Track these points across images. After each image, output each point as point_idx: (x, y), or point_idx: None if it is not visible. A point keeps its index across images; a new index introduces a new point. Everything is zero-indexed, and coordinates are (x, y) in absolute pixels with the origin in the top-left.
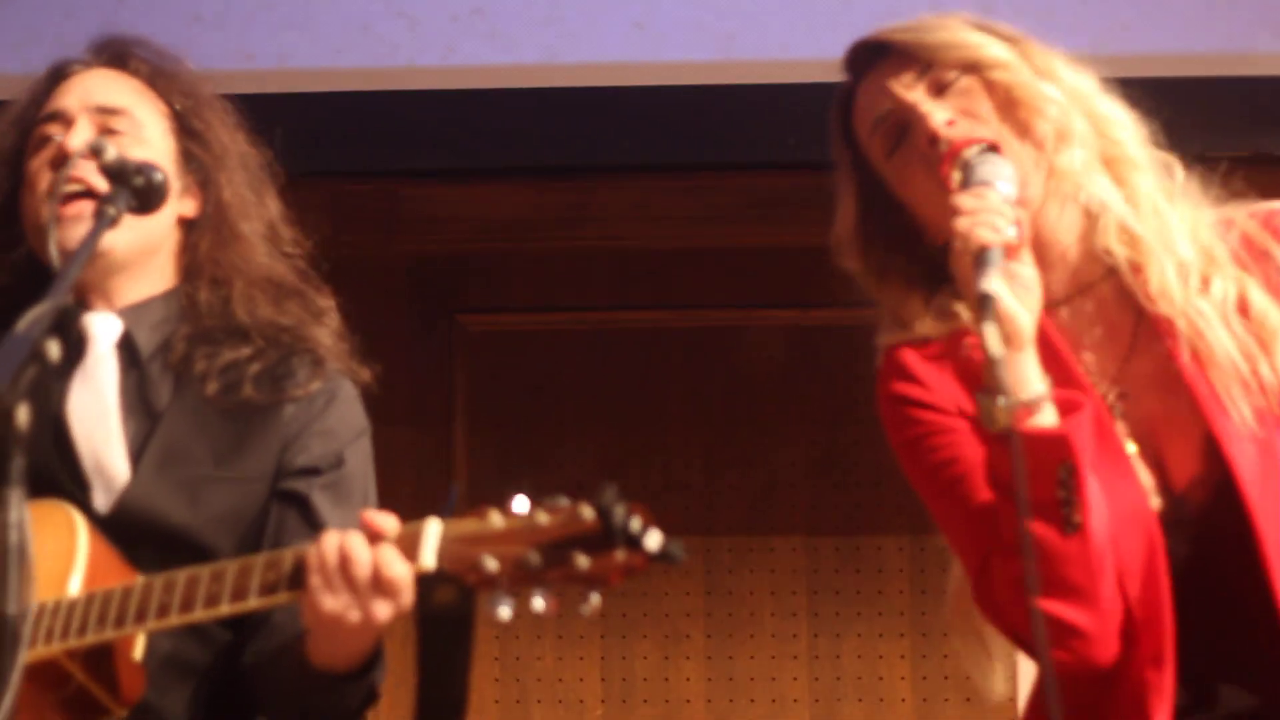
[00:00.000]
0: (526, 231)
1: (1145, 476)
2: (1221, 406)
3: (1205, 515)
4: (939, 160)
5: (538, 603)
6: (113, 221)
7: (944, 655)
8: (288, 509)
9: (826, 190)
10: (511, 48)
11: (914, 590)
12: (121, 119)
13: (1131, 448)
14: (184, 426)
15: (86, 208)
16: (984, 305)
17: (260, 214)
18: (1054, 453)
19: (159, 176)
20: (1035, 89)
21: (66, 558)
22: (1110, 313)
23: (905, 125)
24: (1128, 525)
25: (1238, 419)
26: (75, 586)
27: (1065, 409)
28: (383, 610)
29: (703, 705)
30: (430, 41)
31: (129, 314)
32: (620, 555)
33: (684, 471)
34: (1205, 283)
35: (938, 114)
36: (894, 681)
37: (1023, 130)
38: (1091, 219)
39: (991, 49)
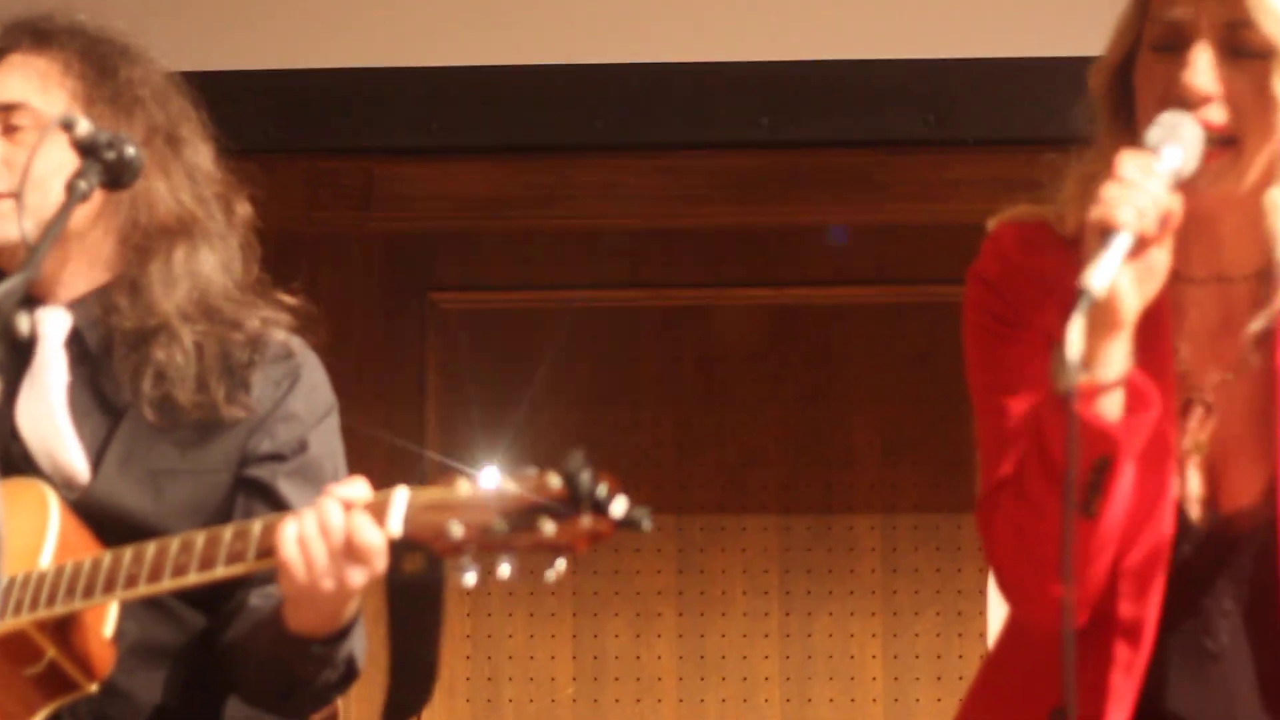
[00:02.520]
0: (500, 210)
1: (1195, 484)
2: None
3: (1240, 543)
4: (1170, 99)
5: (504, 569)
6: (84, 196)
7: (915, 634)
8: (253, 498)
9: (800, 170)
10: (486, 26)
11: (885, 569)
12: (19, 114)
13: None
14: (148, 422)
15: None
16: (1079, 298)
17: (185, 172)
18: (1100, 445)
19: (131, 150)
20: None
21: (38, 534)
22: (1236, 318)
23: (1179, 46)
24: (1141, 528)
25: None
26: (46, 562)
27: (1133, 404)
28: (356, 576)
29: (674, 683)
30: (407, 20)
31: (77, 307)
32: (586, 521)
33: (656, 450)
34: None
35: (1206, 81)
36: (865, 660)
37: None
38: (1273, 221)
39: None
